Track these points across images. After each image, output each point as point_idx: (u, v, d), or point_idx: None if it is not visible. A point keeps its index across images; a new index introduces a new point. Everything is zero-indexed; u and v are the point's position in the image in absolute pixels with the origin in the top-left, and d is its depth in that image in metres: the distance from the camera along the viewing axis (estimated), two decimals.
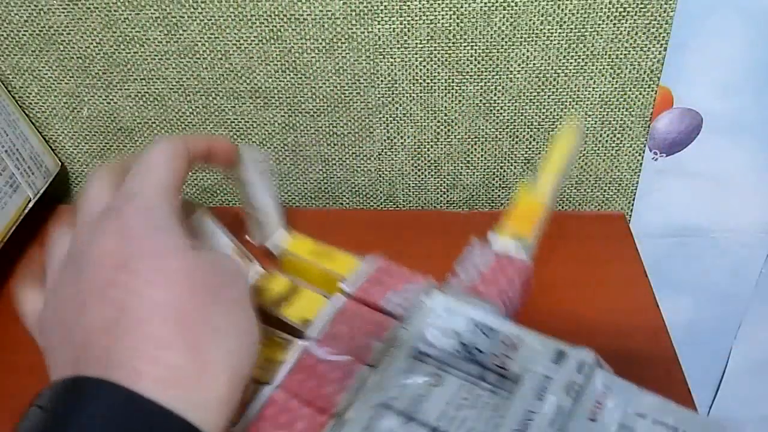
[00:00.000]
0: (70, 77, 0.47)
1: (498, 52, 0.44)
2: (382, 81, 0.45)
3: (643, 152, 0.48)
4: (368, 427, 0.27)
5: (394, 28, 0.43)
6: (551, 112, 0.46)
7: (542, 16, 0.42)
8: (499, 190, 0.50)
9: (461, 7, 0.42)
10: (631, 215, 0.51)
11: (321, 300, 0.33)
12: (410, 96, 0.46)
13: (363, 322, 0.31)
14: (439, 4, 0.42)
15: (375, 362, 0.29)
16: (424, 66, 0.45)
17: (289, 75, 0.46)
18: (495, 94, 0.46)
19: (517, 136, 0.47)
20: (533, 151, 0.48)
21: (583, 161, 0.48)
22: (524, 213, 0.36)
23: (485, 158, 0.48)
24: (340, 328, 0.31)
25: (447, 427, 0.26)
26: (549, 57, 0.44)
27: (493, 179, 0.49)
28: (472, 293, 0.32)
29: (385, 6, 0.42)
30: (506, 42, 0.43)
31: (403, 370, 0.29)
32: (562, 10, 0.42)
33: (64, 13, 0.44)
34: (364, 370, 0.29)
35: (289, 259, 0.38)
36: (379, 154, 0.49)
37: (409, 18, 0.43)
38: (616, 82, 0.45)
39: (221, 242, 0.36)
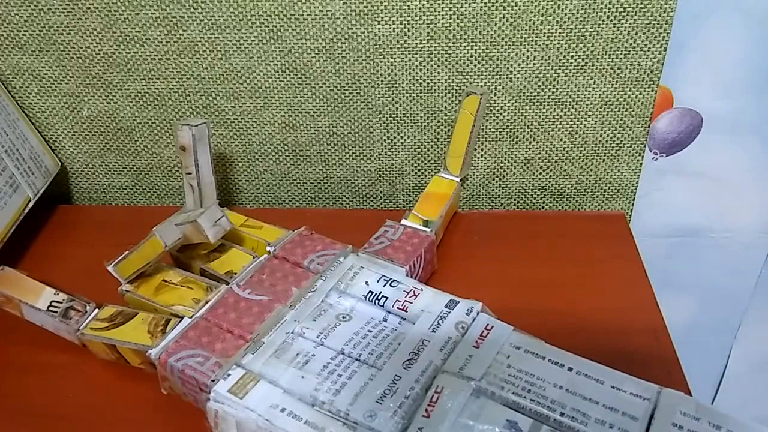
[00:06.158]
0: (70, 77, 0.47)
1: (498, 52, 0.44)
2: (382, 81, 0.45)
3: (643, 152, 0.48)
4: (282, 348, 0.31)
5: (394, 28, 0.43)
6: (551, 112, 0.46)
7: (542, 16, 0.42)
8: (499, 190, 0.50)
9: (461, 7, 0.42)
10: (631, 215, 0.51)
11: (247, 257, 0.38)
12: (410, 96, 0.46)
13: (284, 273, 0.35)
14: (439, 4, 0.42)
15: (293, 303, 0.33)
16: (424, 66, 0.45)
17: (289, 75, 0.46)
18: (495, 94, 0.46)
19: (517, 136, 0.47)
20: (533, 151, 0.48)
21: (583, 161, 0.48)
22: (432, 199, 0.42)
23: (485, 158, 0.48)
24: (262, 277, 0.35)
25: (351, 351, 0.30)
26: (549, 57, 0.44)
27: (493, 179, 0.49)
28: (383, 256, 0.37)
29: (385, 6, 0.42)
30: (506, 42, 0.43)
31: (318, 309, 0.33)
32: (562, 10, 0.42)
33: (64, 13, 0.44)
34: (283, 308, 0.33)
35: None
36: (379, 154, 0.49)
37: (409, 18, 0.43)
38: (616, 82, 0.45)
39: None
